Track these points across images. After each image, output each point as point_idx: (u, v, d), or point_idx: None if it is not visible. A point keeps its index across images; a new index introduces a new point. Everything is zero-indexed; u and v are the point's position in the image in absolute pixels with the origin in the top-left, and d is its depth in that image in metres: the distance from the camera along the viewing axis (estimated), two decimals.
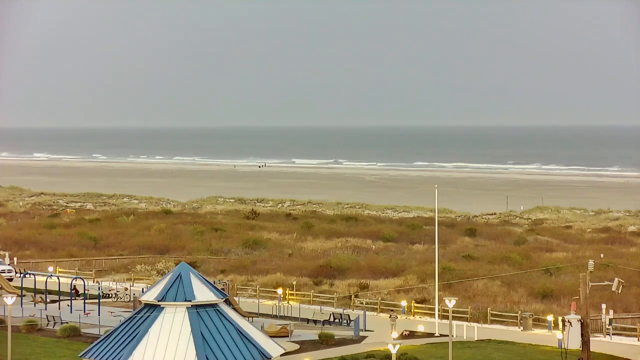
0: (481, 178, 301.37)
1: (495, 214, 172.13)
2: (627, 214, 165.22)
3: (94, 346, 53.09)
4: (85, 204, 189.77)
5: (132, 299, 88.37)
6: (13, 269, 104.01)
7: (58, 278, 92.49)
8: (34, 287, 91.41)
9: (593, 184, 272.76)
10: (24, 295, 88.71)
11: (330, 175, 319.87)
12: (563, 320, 54.96)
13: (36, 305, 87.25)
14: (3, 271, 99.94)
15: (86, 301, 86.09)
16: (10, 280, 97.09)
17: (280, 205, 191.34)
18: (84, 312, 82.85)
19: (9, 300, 57.06)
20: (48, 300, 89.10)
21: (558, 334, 66.71)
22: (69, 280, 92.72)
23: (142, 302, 54.36)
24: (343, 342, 73.63)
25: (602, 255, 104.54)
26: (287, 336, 73.94)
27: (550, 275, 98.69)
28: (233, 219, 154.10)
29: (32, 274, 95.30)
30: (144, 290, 75.12)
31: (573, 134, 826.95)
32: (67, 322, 76.99)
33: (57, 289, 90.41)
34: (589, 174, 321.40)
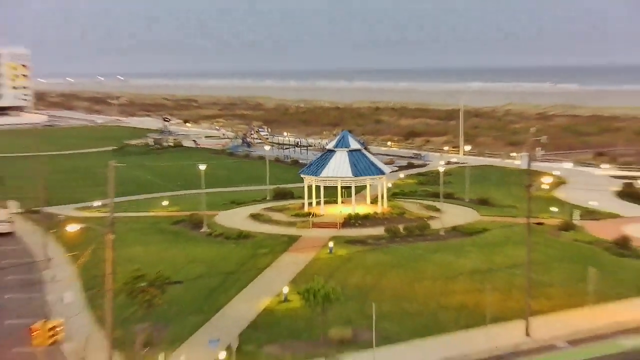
0: None
1: None
2: None
3: (306, 168, 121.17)
4: None
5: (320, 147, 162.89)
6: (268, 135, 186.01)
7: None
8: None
9: None
10: (272, 147, 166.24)
11: None
12: None
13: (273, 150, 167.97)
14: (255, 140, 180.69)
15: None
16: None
17: None
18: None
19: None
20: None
21: None
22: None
23: (326, 148, 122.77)
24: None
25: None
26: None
27: None
28: None
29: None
30: (327, 142, 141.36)
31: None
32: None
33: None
34: None
